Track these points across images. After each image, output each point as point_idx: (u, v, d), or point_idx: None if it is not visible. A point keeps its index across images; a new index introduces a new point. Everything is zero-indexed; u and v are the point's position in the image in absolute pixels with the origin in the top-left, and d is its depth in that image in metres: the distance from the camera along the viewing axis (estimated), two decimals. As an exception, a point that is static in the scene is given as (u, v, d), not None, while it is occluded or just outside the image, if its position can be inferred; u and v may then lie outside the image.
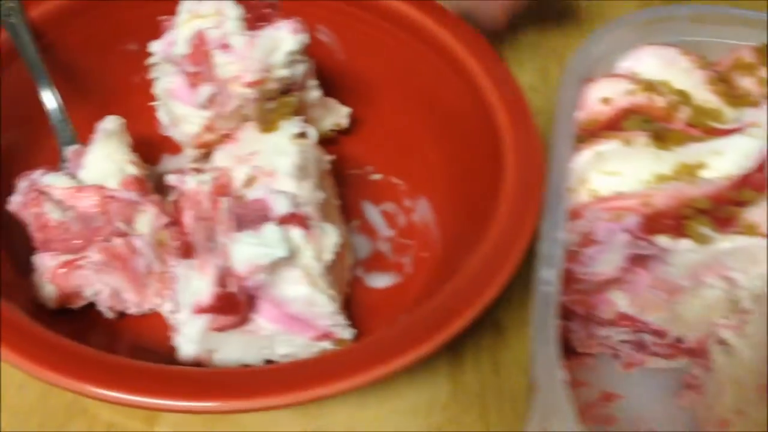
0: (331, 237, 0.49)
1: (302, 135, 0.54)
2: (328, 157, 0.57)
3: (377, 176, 0.64)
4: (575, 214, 0.47)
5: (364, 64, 0.66)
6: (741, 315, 0.49)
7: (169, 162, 0.63)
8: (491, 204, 0.52)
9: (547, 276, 0.41)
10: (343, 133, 0.65)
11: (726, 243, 0.46)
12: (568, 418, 0.36)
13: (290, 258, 0.47)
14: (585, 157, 0.49)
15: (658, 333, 0.53)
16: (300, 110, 0.57)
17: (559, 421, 0.36)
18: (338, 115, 0.63)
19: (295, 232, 0.47)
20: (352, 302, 0.56)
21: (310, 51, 0.55)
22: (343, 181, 0.63)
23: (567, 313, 0.54)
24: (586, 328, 0.55)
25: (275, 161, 0.50)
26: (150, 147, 0.62)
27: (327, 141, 0.64)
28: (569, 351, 0.56)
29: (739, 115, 0.51)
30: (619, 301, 0.53)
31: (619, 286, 0.52)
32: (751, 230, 0.45)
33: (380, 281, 0.57)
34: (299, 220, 0.48)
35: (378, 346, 0.45)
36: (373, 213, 0.61)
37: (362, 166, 0.64)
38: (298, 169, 0.50)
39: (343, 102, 0.64)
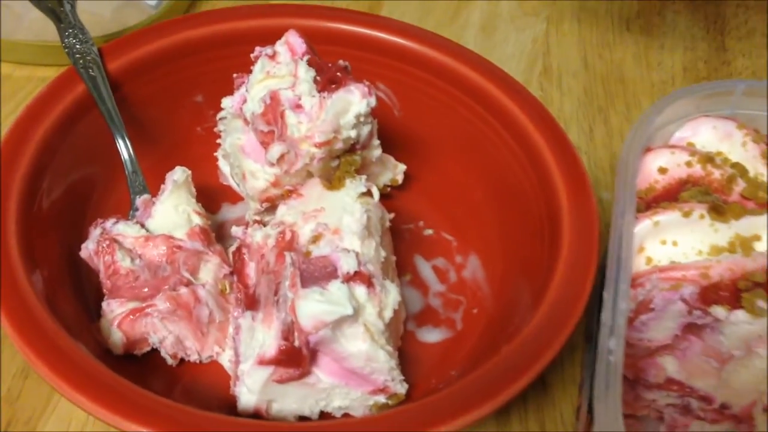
0: (392, 295, 0.51)
1: (367, 193, 0.55)
2: (390, 215, 0.58)
3: (429, 231, 0.66)
4: (633, 283, 0.49)
5: (420, 122, 0.68)
6: (791, 386, 0.50)
7: (228, 211, 0.66)
8: (546, 269, 0.54)
9: (612, 345, 0.42)
10: (396, 188, 0.67)
11: (780, 317, 0.47)
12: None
13: (354, 315, 0.48)
14: (644, 226, 0.51)
15: (705, 399, 0.54)
16: (361, 167, 0.59)
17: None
18: (394, 172, 0.65)
19: (360, 290, 0.49)
20: (404, 355, 0.57)
21: (372, 110, 0.57)
22: (396, 236, 0.64)
23: (616, 376, 0.55)
24: (634, 390, 0.56)
25: (342, 219, 0.52)
26: (210, 195, 0.65)
27: (381, 196, 0.65)
28: (617, 413, 0.57)
29: (792, 190, 0.53)
30: (669, 366, 0.54)
31: (671, 352, 0.53)
32: (804, 305, 0.47)
33: (431, 336, 0.59)
34: (364, 278, 0.49)
35: (436, 407, 0.46)
36: (424, 268, 0.63)
37: (415, 221, 0.66)
38: (363, 229, 0.52)
39: (398, 158, 0.66)
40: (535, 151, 0.60)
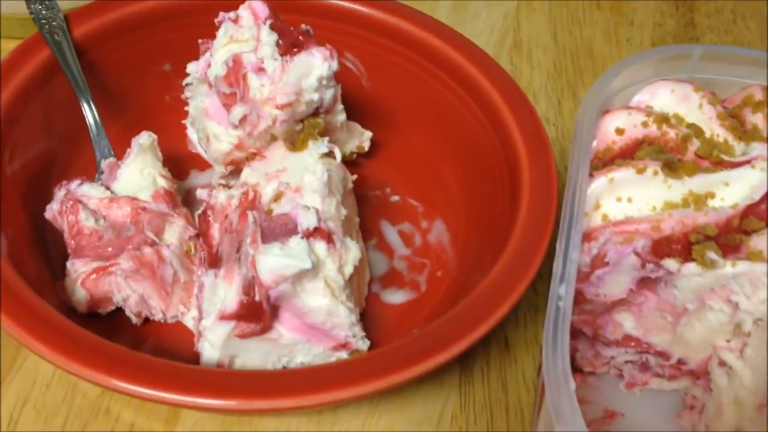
0: (352, 252, 0.52)
1: (329, 155, 0.56)
2: (352, 177, 0.59)
3: (396, 198, 0.66)
4: (588, 237, 0.50)
5: (387, 91, 0.69)
6: (742, 338, 0.51)
7: (196, 178, 0.66)
8: (506, 228, 0.55)
9: (561, 292, 0.43)
10: (364, 155, 0.68)
11: (730, 268, 0.48)
12: (577, 424, 0.38)
13: (314, 270, 0.49)
14: (599, 184, 0.51)
15: (662, 354, 0.55)
16: (326, 132, 0.60)
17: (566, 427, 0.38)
18: (360, 139, 0.66)
19: (320, 246, 0.50)
20: (368, 316, 0.58)
21: (337, 76, 0.58)
22: (363, 201, 0.65)
23: (574, 333, 0.56)
24: (593, 347, 0.57)
25: (303, 178, 0.53)
26: (179, 163, 0.65)
27: (348, 163, 0.66)
28: (575, 369, 0.58)
29: (748, 150, 0.54)
30: (626, 323, 0.55)
31: (627, 308, 0.54)
32: (755, 257, 0.48)
33: (396, 297, 0.60)
34: (323, 234, 0.50)
35: (392, 356, 0.47)
36: (390, 232, 0.64)
37: (382, 187, 0.67)
38: (324, 187, 0.52)
39: (366, 126, 0.67)
40: (498, 117, 0.61)
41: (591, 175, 0.52)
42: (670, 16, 0.91)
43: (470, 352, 0.47)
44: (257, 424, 0.53)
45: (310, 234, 0.50)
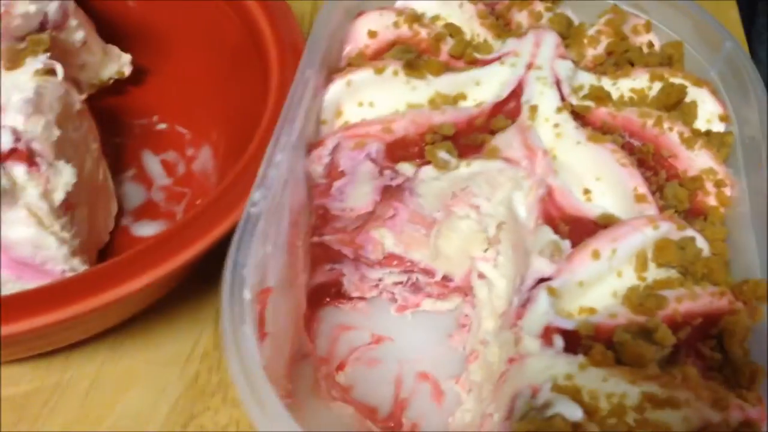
0: (64, 176, 0.46)
1: (50, 72, 0.50)
2: (80, 97, 0.53)
3: (162, 126, 0.61)
4: (318, 145, 0.45)
5: (155, 13, 0.63)
6: (495, 247, 0.47)
7: None
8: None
9: (256, 197, 0.38)
10: (131, 82, 0.62)
11: (465, 168, 0.44)
12: (246, 336, 0.33)
13: (10, 196, 0.43)
14: (337, 88, 0.47)
15: (427, 272, 0.52)
16: (66, 53, 0.54)
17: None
18: (119, 63, 0.60)
19: (18, 169, 0.44)
20: (116, 251, 0.53)
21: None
22: (126, 131, 0.60)
23: (337, 257, 0.52)
24: (357, 270, 0.53)
25: (8, 97, 0.47)
26: None
27: (111, 90, 0.61)
28: (342, 296, 0.54)
29: (504, 48, 0.50)
30: (386, 240, 0.51)
31: (382, 224, 0.50)
32: (492, 154, 0.44)
33: (148, 229, 0.55)
34: (22, 156, 0.44)
35: (107, 271, 0.42)
36: (152, 162, 0.59)
37: (148, 116, 0.62)
38: (27, 104, 0.46)
39: (134, 51, 0.61)
40: (256, 27, 0.56)
41: (331, 80, 0.47)
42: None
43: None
44: None
45: (7, 156, 0.44)
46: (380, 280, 0.53)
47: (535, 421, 0.34)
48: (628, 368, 0.36)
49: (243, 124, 0.56)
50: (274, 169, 0.40)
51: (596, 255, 0.39)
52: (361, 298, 0.54)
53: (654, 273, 0.40)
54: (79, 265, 0.46)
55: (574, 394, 0.35)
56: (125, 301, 0.42)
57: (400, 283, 0.53)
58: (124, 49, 0.59)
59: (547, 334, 0.37)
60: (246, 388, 0.32)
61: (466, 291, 0.52)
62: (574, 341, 0.37)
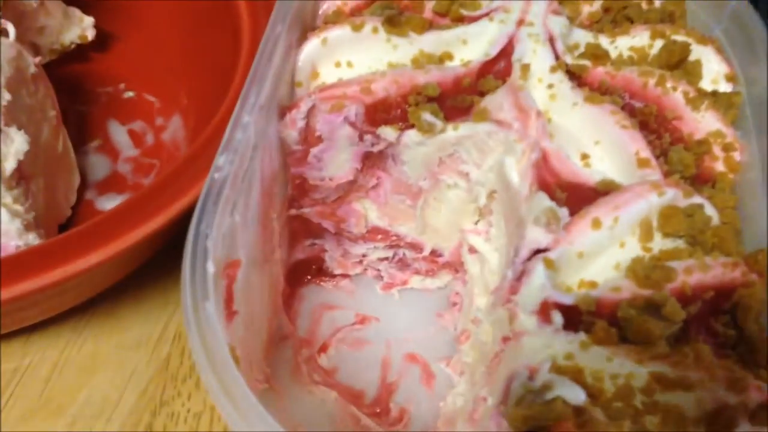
0: (16, 143, 0.42)
1: (1, 32, 0.46)
2: (34, 60, 0.49)
3: (129, 94, 0.57)
4: (291, 108, 0.41)
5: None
6: (486, 218, 0.44)
7: None
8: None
9: (220, 162, 0.34)
10: (95, 49, 0.58)
11: (452, 132, 0.40)
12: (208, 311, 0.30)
13: (-44, 166, 0.40)
14: (312, 47, 0.43)
15: (414, 246, 0.48)
16: (23, 16, 0.50)
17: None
18: (81, 27, 0.56)
19: (-37, 136, 0.40)
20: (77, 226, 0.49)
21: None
22: (91, 99, 0.56)
23: (317, 231, 0.48)
24: (340, 245, 0.49)
25: (-46, 59, 0.43)
26: None
27: (76, 56, 0.57)
28: (324, 273, 0.50)
29: (492, 2, 0.46)
30: (370, 213, 0.48)
31: (364, 195, 0.46)
32: (481, 116, 0.40)
33: (113, 203, 0.51)
34: (-32, 122, 0.41)
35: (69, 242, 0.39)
36: (118, 132, 0.55)
37: (115, 84, 0.58)
38: (-25, 66, 0.43)
39: (100, 16, 0.57)
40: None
41: (306, 39, 0.44)
42: None
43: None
44: None
45: (-51, 122, 0.40)
46: (364, 255, 0.50)
47: (534, 405, 0.31)
48: (634, 346, 0.32)
49: (214, 89, 0.52)
50: (241, 131, 0.36)
51: (597, 224, 0.36)
52: (345, 276, 0.51)
53: (660, 243, 0.37)
54: (34, 240, 0.43)
55: (576, 375, 0.32)
56: (84, 277, 0.38)
57: (386, 258, 0.50)
58: (87, 12, 0.55)
59: (544, 310, 0.34)
60: (209, 369, 0.29)
61: (456, 267, 0.49)
62: (575, 317, 0.34)
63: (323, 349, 0.48)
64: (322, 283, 0.50)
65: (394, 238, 0.48)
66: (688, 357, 0.32)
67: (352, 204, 0.47)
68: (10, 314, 0.40)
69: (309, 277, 0.50)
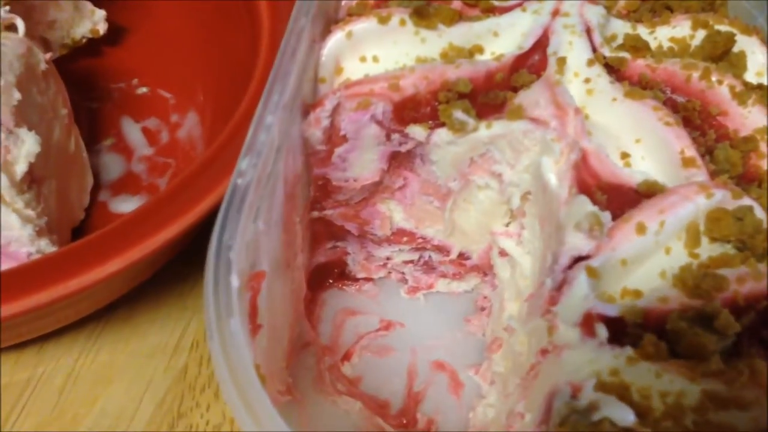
0: (27, 145, 0.40)
1: (10, 28, 0.44)
2: (45, 56, 0.47)
3: (143, 90, 0.55)
4: (317, 106, 0.39)
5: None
6: (519, 220, 0.42)
7: None
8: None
9: (243, 166, 0.32)
10: (107, 43, 0.56)
11: (485, 131, 0.38)
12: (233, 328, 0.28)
13: (-36, 170, 0.38)
14: (336, 41, 0.41)
15: (441, 249, 0.46)
16: (31, 10, 0.48)
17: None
18: (93, 20, 0.54)
19: (-28, 139, 0.39)
20: (92, 230, 0.47)
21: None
22: (103, 96, 0.54)
23: (340, 233, 0.46)
24: (364, 248, 0.47)
25: (-39, 56, 0.41)
26: None
27: (87, 51, 0.55)
28: (347, 277, 0.48)
29: (524, -8, 0.44)
30: (395, 215, 0.45)
31: (390, 196, 0.44)
32: (516, 114, 0.38)
33: (128, 205, 0.49)
34: (-24, 123, 0.39)
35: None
36: (132, 130, 0.53)
37: (127, 79, 0.56)
38: (-19, 64, 0.41)
39: (112, 8, 0.55)
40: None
41: (330, 32, 0.41)
42: None
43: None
44: None
45: (-44, 124, 0.38)
46: (388, 258, 0.48)
47: (579, 425, 0.29)
48: (685, 362, 0.30)
49: (232, 85, 0.50)
50: (265, 132, 0.34)
51: (642, 229, 0.34)
52: (368, 279, 0.49)
53: (707, 249, 0.34)
54: (47, 247, 0.41)
55: (622, 393, 0.29)
56: (99, 287, 0.36)
57: (411, 261, 0.48)
58: (98, 5, 0.53)
59: (587, 322, 0.32)
60: (233, 389, 0.27)
61: (485, 270, 0.47)
62: (620, 330, 0.32)
63: (347, 357, 0.46)
64: (344, 288, 0.48)
65: (420, 240, 0.46)
66: (744, 374, 0.30)
67: (376, 205, 0.45)
68: (23, 325, 0.39)
69: (331, 281, 0.48)
